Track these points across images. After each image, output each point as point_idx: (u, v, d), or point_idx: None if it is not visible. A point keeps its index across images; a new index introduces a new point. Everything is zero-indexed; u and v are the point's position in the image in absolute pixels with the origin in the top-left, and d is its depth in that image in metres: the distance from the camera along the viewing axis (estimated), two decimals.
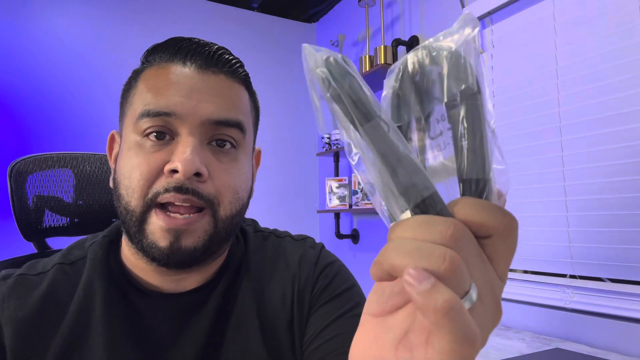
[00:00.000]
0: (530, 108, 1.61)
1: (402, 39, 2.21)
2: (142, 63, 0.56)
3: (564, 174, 1.49)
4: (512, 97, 1.68)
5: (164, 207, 0.50)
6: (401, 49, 2.22)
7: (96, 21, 2.44)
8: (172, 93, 0.50)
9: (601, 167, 1.38)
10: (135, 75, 0.55)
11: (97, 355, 0.50)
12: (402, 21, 2.27)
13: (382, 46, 2.15)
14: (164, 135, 0.50)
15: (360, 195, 2.29)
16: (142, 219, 0.50)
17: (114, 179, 0.53)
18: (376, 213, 2.40)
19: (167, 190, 0.49)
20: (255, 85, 0.61)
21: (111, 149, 0.58)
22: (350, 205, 2.39)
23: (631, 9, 1.32)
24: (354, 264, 2.60)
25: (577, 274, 1.45)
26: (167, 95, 0.50)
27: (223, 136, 0.52)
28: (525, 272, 1.66)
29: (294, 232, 0.70)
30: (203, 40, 0.55)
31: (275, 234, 0.68)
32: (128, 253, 0.56)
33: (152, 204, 0.49)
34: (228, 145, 0.53)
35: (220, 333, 0.55)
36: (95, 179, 0.87)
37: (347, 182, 2.42)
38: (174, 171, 0.48)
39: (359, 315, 0.40)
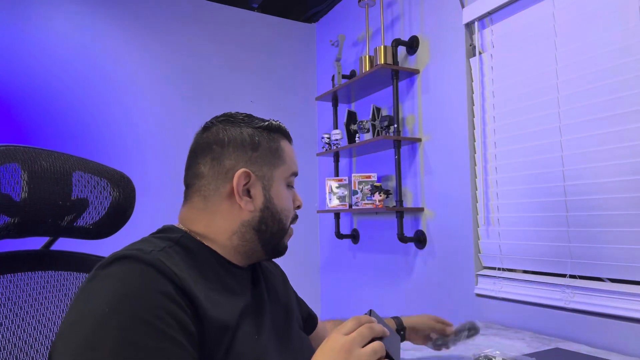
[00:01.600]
0: (530, 108, 1.62)
1: (402, 39, 2.21)
2: (270, 132, 0.82)
3: (564, 173, 1.49)
4: (512, 97, 1.69)
5: (292, 222, 0.85)
6: (401, 48, 2.22)
7: (97, 21, 2.44)
8: (296, 162, 0.86)
9: (601, 167, 1.38)
10: (275, 142, 0.82)
11: (239, 299, 0.73)
12: (402, 21, 2.27)
13: (382, 46, 2.15)
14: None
15: (360, 195, 2.29)
16: (287, 229, 0.83)
17: (270, 209, 0.79)
18: (376, 213, 2.40)
19: (296, 216, 0.86)
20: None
21: (240, 181, 0.77)
22: (350, 205, 2.39)
23: (631, 9, 1.32)
24: (353, 264, 2.60)
25: (576, 273, 1.45)
26: (296, 164, 0.86)
27: None
28: (525, 272, 1.66)
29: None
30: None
31: None
32: (229, 246, 0.77)
33: (290, 224, 0.84)
34: None
35: (265, 296, 0.83)
36: (50, 176, 0.81)
37: (347, 182, 2.42)
38: (299, 206, 0.86)
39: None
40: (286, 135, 0.85)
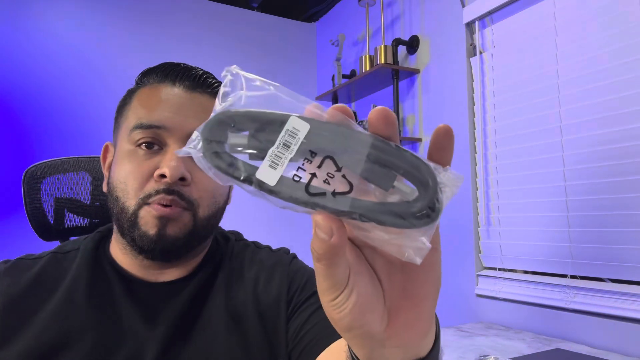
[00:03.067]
0: (530, 108, 1.61)
1: (402, 38, 2.21)
2: (137, 83, 0.65)
3: (564, 174, 1.49)
4: (512, 97, 1.68)
5: (150, 204, 0.59)
6: (401, 48, 2.22)
7: (97, 22, 2.44)
8: (162, 109, 0.59)
9: (601, 167, 1.38)
10: (130, 94, 0.64)
11: (77, 334, 0.57)
12: (402, 21, 2.27)
13: (382, 46, 2.15)
14: (153, 145, 0.59)
15: None
16: (135, 214, 0.58)
17: (109, 183, 0.62)
18: None
19: (157, 192, 0.57)
20: None
21: (105, 158, 0.67)
22: None
23: (631, 9, 1.32)
24: None
25: (577, 274, 1.45)
26: (158, 111, 0.59)
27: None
28: (526, 272, 1.66)
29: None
30: (190, 65, 0.64)
31: (255, 245, 0.75)
32: (117, 249, 0.64)
33: (144, 203, 0.58)
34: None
35: (190, 321, 0.61)
36: None
37: None
38: (162, 176, 0.57)
39: None
40: (157, 74, 0.62)
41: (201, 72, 0.63)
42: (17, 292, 0.60)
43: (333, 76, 2.58)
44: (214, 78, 0.65)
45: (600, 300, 1.36)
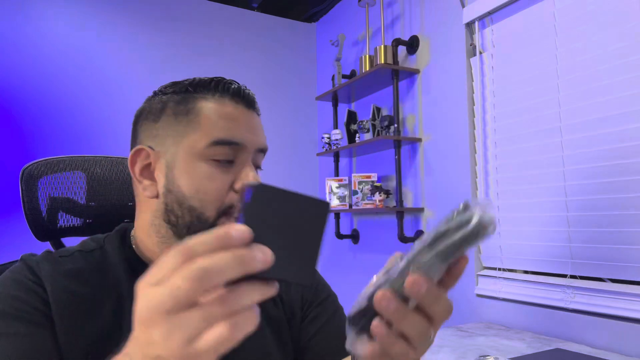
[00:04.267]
0: (530, 108, 1.61)
1: (402, 38, 2.21)
2: (189, 91, 0.65)
3: (564, 174, 1.49)
4: (512, 97, 1.68)
5: (229, 214, 0.62)
6: (401, 48, 2.22)
7: (98, 22, 2.44)
8: (238, 127, 0.63)
9: (601, 167, 1.38)
10: (185, 104, 0.63)
11: (127, 324, 0.58)
12: (402, 21, 2.27)
13: (382, 46, 2.15)
14: (231, 161, 0.62)
15: (360, 195, 2.28)
16: (215, 223, 0.61)
17: (171, 191, 0.62)
18: (376, 213, 2.40)
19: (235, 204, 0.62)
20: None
21: (134, 162, 0.65)
22: (350, 206, 2.39)
23: (631, 9, 1.32)
24: (353, 265, 2.60)
25: (577, 274, 1.45)
26: (235, 129, 0.62)
27: (259, 162, 0.67)
28: (526, 272, 1.66)
29: None
30: (240, 84, 0.67)
31: None
32: (151, 245, 0.65)
33: (223, 214, 0.61)
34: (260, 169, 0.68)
35: None
36: (106, 181, 0.92)
37: (347, 182, 2.42)
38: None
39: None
40: (217, 89, 0.64)
41: (250, 92, 0.68)
42: (60, 281, 0.61)
43: (333, 76, 2.58)
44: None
45: (600, 300, 1.36)
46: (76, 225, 0.90)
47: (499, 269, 1.73)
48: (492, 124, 1.77)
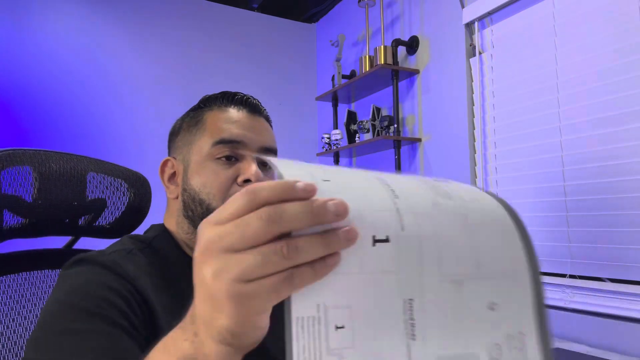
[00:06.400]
0: (529, 108, 1.61)
1: (402, 39, 2.21)
2: (200, 107, 0.76)
3: (563, 174, 1.49)
4: (512, 98, 1.69)
5: None
6: (401, 48, 2.22)
7: (97, 21, 2.44)
8: (238, 128, 0.71)
9: (601, 167, 1.38)
10: (196, 116, 0.75)
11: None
12: (402, 21, 2.27)
13: (382, 46, 2.15)
14: (232, 157, 0.70)
15: None
16: None
17: (186, 190, 0.71)
18: None
19: None
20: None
21: (163, 171, 0.76)
22: None
23: (631, 9, 1.32)
24: None
25: (576, 273, 1.45)
26: (235, 130, 0.71)
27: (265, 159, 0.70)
28: None
29: None
30: (244, 94, 0.77)
31: None
32: (182, 241, 0.72)
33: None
34: (268, 166, 0.72)
35: None
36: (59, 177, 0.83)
37: None
38: (247, 180, 0.68)
39: None
40: (222, 101, 0.75)
41: (255, 100, 0.77)
42: (147, 282, 0.63)
43: (333, 76, 2.58)
44: (262, 106, 0.79)
45: (599, 300, 1.36)
46: (19, 225, 0.79)
47: None
48: (492, 124, 1.77)
